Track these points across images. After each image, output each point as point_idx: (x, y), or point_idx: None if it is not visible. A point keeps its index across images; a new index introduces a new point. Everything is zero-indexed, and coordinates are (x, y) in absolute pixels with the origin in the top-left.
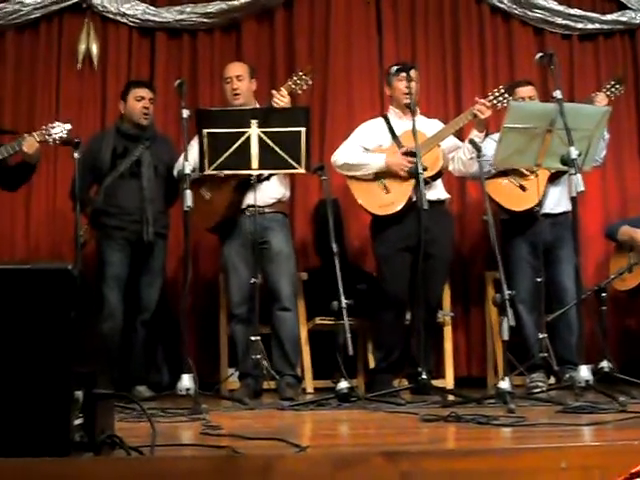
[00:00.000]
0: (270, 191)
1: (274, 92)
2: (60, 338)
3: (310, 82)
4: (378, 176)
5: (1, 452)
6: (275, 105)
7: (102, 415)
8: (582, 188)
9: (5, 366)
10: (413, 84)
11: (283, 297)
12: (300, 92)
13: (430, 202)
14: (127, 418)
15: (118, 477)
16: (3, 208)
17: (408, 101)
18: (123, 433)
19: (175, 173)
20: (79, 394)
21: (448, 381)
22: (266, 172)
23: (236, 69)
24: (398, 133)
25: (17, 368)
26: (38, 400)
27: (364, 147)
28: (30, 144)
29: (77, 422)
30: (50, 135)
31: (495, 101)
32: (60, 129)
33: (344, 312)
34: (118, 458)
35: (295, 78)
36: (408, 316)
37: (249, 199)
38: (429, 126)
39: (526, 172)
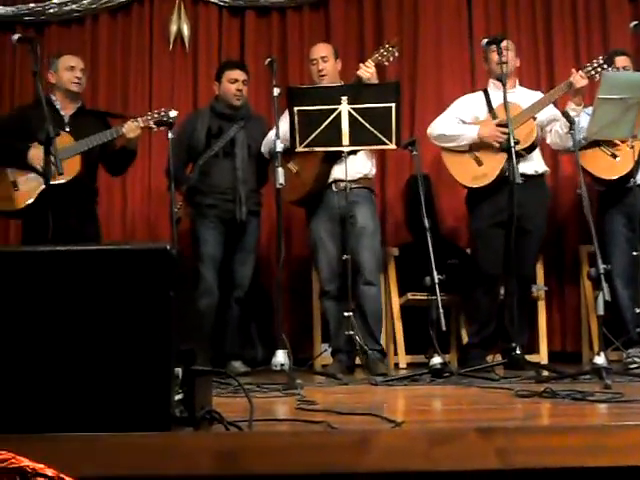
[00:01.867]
0: (357, 166)
1: (361, 64)
2: (160, 316)
3: (396, 53)
4: (471, 148)
5: (106, 427)
6: (361, 75)
7: (201, 391)
8: None
9: (108, 345)
10: (511, 54)
11: (367, 272)
12: (387, 63)
13: (525, 175)
14: (223, 393)
15: (217, 451)
16: (100, 188)
17: (504, 71)
18: (220, 408)
19: (263, 149)
20: (179, 370)
21: (542, 356)
22: (357, 148)
23: (321, 50)
24: (494, 105)
25: (119, 346)
26: (140, 377)
27: (461, 119)
28: (131, 129)
29: (177, 398)
30: (155, 120)
31: (593, 72)
32: (165, 115)
33: (436, 287)
34: (217, 433)
35: (382, 50)
36: (502, 291)
37: (336, 173)
38: (529, 98)
39: (617, 141)
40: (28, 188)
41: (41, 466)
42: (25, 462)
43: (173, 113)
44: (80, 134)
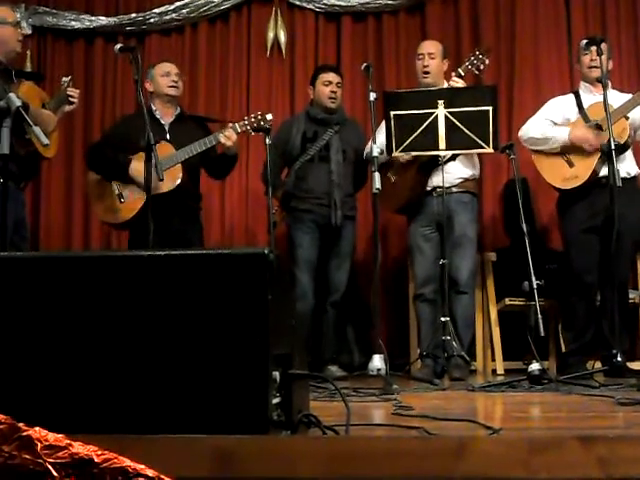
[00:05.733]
0: (456, 171)
1: (451, 81)
2: (258, 320)
3: (487, 61)
4: (563, 150)
5: (204, 429)
6: None
7: (298, 395)
8: None
9: (207, 348)
10: (604, 58)
11: (461, 281)
12: (477, 72)
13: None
14: (320, 397)
15: (314, 455)
16: None
17: (595, 74)
18: (317, 412)
19: (365, 156)
20: (276, 374)
21: None
22: (453, 153)
23: (429, 46)
24: (585, 107)
25: (218, 350)
26: (238, 380)
27: (552, 121)
28: (228, 136)
29: (275, 401)
30: (252, 125)
31: None
32: (262, 118)
33: (535, 292)
34: (315, 437)
35: (472, 58)
36: (599, 297)
37: (435, 180)
38: (621, 101)
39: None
40: (133, 200)
41: (142, 466)
42: (127, 462)
43: (269, 116)
44: (180, 141)
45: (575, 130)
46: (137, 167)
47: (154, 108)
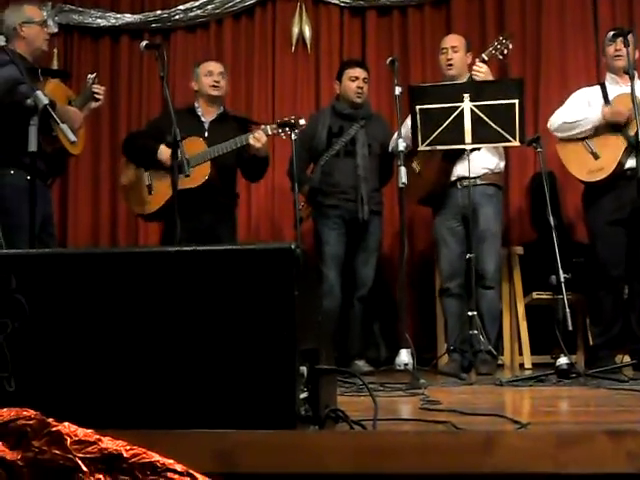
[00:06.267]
0: (481, 161)
1: (474, 67)
2: (285, 316)
3: (510, 46)
4: (587, 142)
5: (232, 425)
6: (475, 77)
7: (325, 389)
8: None
9: (235, 343)
10: (631, 49)
11: (487, 275)
12: (501, 57)
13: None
14: (347, 392)
15: (342, 450)
16: None
17: (620, 64)
18: (344, 407)
19: (390, 150)
20: (304, 369)
21: None
22: (480, 146)
23: (452, 40)
24: (611, 98)
25: (246, 345)
26: (266, 375)
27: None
28: (257, 137)
29: (302, 396)
30: (283, 129)
31: None
32: (295, 122)
33: (562, 286)
34: (342, 432)
35: (496, 43)
36: (626, 290)
37: (459, 171)
38: None
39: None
40: (161, 192)
41: (171, 461)
42: (156, 457)
43: (302, 121)
44: (217, 139)
45: (607, 108)
46: (165, 150)
47: (197, 105)
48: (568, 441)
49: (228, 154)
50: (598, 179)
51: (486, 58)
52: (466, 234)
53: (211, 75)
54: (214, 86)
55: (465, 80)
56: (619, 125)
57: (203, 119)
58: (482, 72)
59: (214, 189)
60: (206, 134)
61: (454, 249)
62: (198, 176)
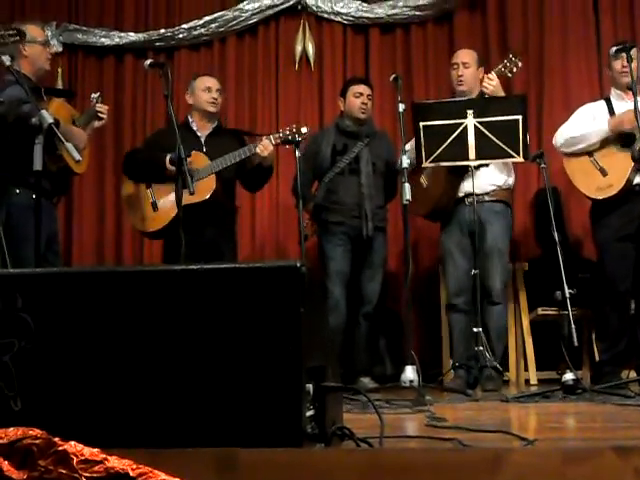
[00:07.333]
0: (489, 178)
1: (485, 76)
2: (291, 333)
3: (520, 64)
4: (595, 158)
5: (238, 443)
6: (484, 90)
7: (332, 407)
8: None
9: (241, 361)
10: (634, 65)
11: (494, 292)
12: (510, 75)
13: None
14: (352, 409)
15: (349, 468)
16: None
17: (627, 80)
18: (350, 424)
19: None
20: (310, 387)
21: None
22: (488, 162)
23: (463, 56)
24: (617, 113)
25: (251, 363)
26: (273, 393)
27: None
28: (265, 147)
29: (309, 414)
30: (286, 137)
31: None
32: (297, 131)
33: (568, 302)
34: (349, 449)
35: (505, 61)
36: (633, 305)
37: (466, 187)
38: None
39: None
40: (166, 209)
41: None
42: (162, 476)
43: (304, 129)
44: (216, 153)
45: (613, 119)
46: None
47: (191, 120)
48: (575, 457)
49: (228, 167)
50: (607, 196)
51: (494, 76)
52: (473, 250)
53: (209, 92)
54: (212, 103)
55: (476, 95)
56: (626, 141)
57: (199, 134)
58: (493, 85)
59: (217, 204)
60: (204, 149)
61: (461, 265)
62: (203, 190)
